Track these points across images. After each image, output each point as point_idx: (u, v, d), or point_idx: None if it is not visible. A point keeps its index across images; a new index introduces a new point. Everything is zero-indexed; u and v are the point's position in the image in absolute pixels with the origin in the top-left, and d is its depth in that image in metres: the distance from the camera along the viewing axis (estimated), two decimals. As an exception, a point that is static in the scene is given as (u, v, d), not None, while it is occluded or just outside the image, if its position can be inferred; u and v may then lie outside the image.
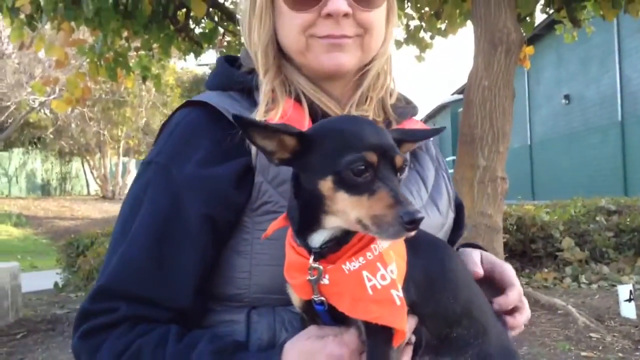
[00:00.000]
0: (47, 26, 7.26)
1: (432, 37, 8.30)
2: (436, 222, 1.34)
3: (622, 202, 9.91)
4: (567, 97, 23.74)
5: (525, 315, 1.28)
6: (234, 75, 1.34)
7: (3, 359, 6.45)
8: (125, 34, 7.65)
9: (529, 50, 8.02)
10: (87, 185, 35.58)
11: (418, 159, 1.44)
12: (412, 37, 8.14)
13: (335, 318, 1.03)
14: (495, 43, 6.22)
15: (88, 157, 31.79)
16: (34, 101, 24.89)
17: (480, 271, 1.26)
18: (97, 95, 24.46)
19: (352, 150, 0.94)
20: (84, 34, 9.05)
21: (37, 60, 24.77)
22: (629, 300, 5.71)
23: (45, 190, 34.27)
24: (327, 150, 0.97)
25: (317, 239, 1.01)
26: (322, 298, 1.01)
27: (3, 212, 23.70)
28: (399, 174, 0.97)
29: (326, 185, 0.95)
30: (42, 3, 6.02)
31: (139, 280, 1.15)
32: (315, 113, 1.28)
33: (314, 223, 1.00)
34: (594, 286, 7.61)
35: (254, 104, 1.27)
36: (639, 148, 19.28)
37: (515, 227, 8.48)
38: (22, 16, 6.52)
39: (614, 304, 6.05)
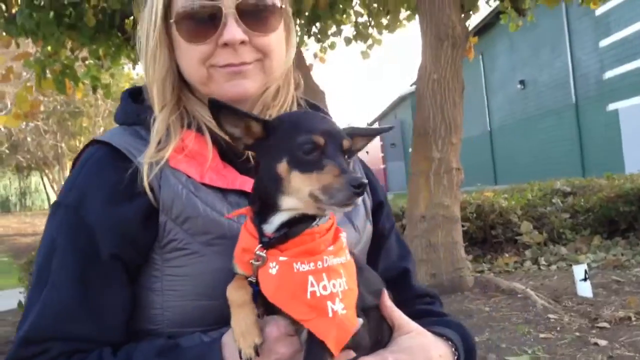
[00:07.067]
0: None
1: (379, 33, 8.39)
2: (351, 239, 1.34)
3: (577, 184, 10.12)
4: (522, 82, 24.19)
5: None
6: (134, 110, 1.34)
7: (-35, 384, 6.28)
8: (69, 45, 7.53)
9: (472, 40, 8.14)
10: (48, 199, 34.77)
11: None
12: (359, 33, 8.21)
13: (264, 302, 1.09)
14: (441, 37, 6.29)
15: (47, 171, 31.11)
16: (-15, 117, 24.23)
17: None
18: (52, 108, 23.93)
19: (303, 134, 1.07)
20: (30, 46, 8.86)
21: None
22: (584, 279, 5.85)
23: (5, 206, 33.50)
24: (283, 136, 1.10)
25: (276, 220, 1.09)
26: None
27: (-39, 232, 23.09)
28: (346, 156, 1.09)
29: (282, 166, 1.07)
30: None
31: (68, 320, 1.15)
32: (219, 142, 1.29)
33: (273, 205, 1.09)
34: (553, 267, 7.75)
35: None
36: (594, 129, 19.76)
37: (474, 215, 8.61)
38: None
39: (571, 284, 6.18)
